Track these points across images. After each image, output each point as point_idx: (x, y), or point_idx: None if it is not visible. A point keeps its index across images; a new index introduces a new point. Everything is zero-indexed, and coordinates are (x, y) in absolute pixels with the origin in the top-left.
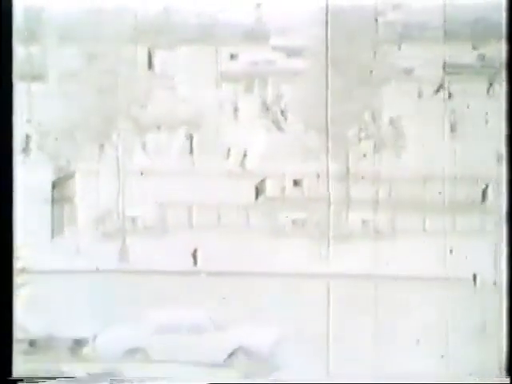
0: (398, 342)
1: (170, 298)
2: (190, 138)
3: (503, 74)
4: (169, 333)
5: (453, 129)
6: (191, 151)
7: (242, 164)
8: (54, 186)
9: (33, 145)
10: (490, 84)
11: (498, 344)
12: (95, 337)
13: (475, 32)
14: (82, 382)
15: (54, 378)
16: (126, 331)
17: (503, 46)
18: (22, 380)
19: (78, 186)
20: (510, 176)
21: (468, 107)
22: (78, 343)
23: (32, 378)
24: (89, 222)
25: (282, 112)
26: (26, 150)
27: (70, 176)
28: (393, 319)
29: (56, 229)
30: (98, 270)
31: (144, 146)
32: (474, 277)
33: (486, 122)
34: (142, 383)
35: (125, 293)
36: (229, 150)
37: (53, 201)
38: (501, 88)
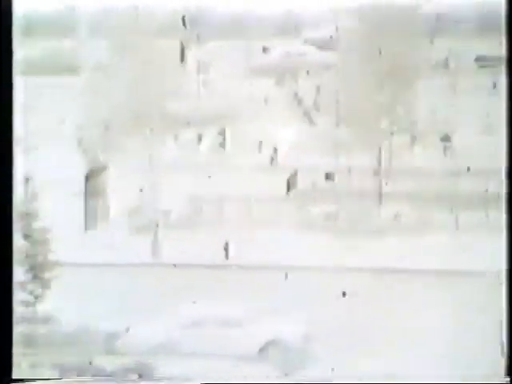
0: (421, 339)
1: (201, 292)
2: (222, 131)
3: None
4: (200, 327)
5: (487, 123)
6: (222, 145)
7: (274, 158)
8: (87, 178)
9: (66, 138)
10: None
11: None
12: (127, 330)
13: (509, 24)
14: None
15: (57, 379)
16: (157, 325)
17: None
18: (22, 380)
19: (111, 180)
20: (510, 178)
21: (502, 102)
22: (111, 337)
23: (32, 378)
24: (121, 216)
25: (314, 105)
26: (58, 143)
27: (102, 169)
28: (421, 314)
29: (89, 222)
30: (130, 264)
31: (176, 140)
32: (499, 273)
33: None
34: (173, 377)
35: (157, 286)
36: (260, 143)
37: (86, 194)
38: None
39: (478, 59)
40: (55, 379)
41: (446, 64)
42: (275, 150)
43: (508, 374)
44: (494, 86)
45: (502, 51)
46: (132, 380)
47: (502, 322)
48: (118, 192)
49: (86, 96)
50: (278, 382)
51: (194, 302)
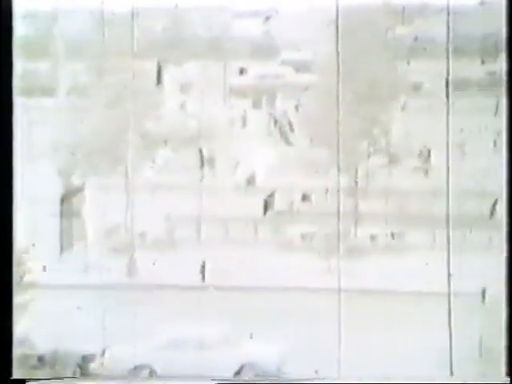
0: (405, 359)
1: (178, 313)
2: (199, 152)
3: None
4: (176, 349)
5: (461, 144)
6: (200, 166)
7: (251, 178)
8: (62, 200)
9: (42, 159)
10: (498, 100)
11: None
12: (103, 352)
13: (484, 47)
14: None
15: (60, 379)
16: (134, 347)
17: (503, 58)
18: (22, 380)
19: (87, 201)
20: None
21: (476, 122)
22: (86, 359)
23: (32, 378)
24: (97, 237)
25: (291, 126)
26: (34, 164)
27: (78, 190)
28: (401, 334)
29: (65, 243)
30: (106, 285)
31: (153, 161)
32: (483, 292)
33: (496, 136)
34: None
35: (133, 308)
36: (237, 164)
37: (61, 215)
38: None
39: (454, 81)
40: (56, 379)
41: (422, 85)
42: (252, 170)
43: (508, 374)
44: (471, 106)
45: (478, 73)
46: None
47: (481, 343)
48: (94, 213)
49: (62, 117)
50: None
51: (171, 324)
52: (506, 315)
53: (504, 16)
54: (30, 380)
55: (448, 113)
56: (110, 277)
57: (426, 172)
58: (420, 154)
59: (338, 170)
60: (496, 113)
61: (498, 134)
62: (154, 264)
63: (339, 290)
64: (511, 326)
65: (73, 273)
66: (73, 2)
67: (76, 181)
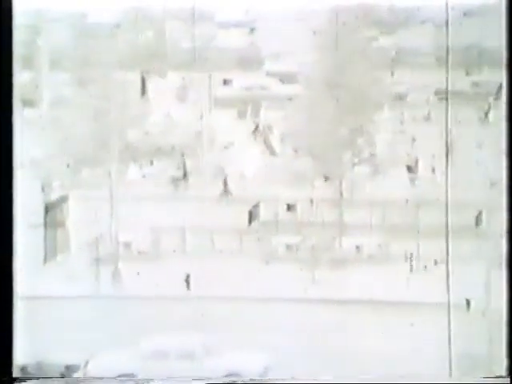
0: (390, 369)
1: (162, 324)
2: (184, 163)
3: (500, 100)
4: (161, 358)
5: (446, 155)
6: (184, 176)
7: (236, 189)
8: (46, 210)
9: (26, 170)
10: (485, 110)
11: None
12: (86, 363)
13: (468, 58)
14: None
15: (58, 378)
16: (117, 357)
17: (503, 68)
18: (22, 380)
19: (71, 211)
20: (510, 203)
21: (461, 133)
22: (69, 369)
23: (33, 377)
24: (82, 248)
25: (276, 137)
26: (19, 174)
27: (62, 201)
28: (386, 345)
29: (48, 254)
30: (90, 296)
31: (137, 171)
32: (468, 302)
33: (480, 148)
34: None
35: (117, 318)
36: (222, 175)
37: (45, 226)
38: (495, 113)
39: (437, 92)
40: (56, 378)
41: (406, 96)
42: (237, 181)
43: (508, 374)
44: (454, 117)
45: (462, 84)
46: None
47: (467, 353)
48: (78, 223)
49: (46, 128)
50: None
51: (155, 334)
52: (506, 316)
53: (504, 18)
54: (30, 379)
55: (433, 123)
56: (94, 287)
57: (411, 182)
58: (404, 165)
59: (323, 180)
60: (483, 123)
61: (482, 144)
62: (138, 274)
63: (324, 301)
64: (511, 327)
65: (56, 284)
66: (56, 13)
67: (60, 191)
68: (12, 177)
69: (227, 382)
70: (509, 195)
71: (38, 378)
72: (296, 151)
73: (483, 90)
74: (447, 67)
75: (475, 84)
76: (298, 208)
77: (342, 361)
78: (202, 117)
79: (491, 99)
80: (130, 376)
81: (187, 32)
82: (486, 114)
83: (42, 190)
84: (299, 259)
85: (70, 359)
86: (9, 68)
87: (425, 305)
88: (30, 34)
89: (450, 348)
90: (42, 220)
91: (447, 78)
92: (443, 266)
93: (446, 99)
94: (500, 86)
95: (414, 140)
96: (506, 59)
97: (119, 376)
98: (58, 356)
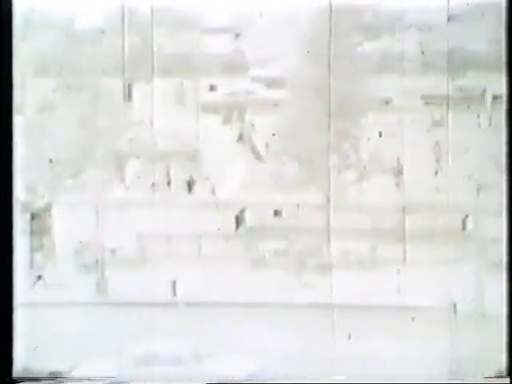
0: (378, 377)
1: (148, 330)
2: (169, 169)
3: (486, 105)
4: (148, 365)
5: (432, 159)
6: (170, 182)
7: (222, 194)
8: (32, 217)
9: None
10: (472, 114)
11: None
12: (72, 370)
13: (452, 63)
14: None
15: (58, 378)
16: (103, 364)
17: (489, 72)
18: (22, 380)
19: (56, 218)
20: (510, 206)
21: (448, 138)
22: (54, 376)
23: (33, 378)
24: (67, 254)
25: (262, 142)
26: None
27: (48, 207)
28: (373, 350)
29: (34, 261)
30: (76, 303)
31: (122, 178)
32: (454, 306)
33: (466, 152)
34: None
35: (103, 325)
36: (209, 180)
37: (31, 233)
38: (483, 118)
39: (423, 96)
40: (56, 378)
41: (391, 101)
42: (223, 186)
43: (508, 374)
44: (441, 122)
45: (447, 89)
46: None
47: (452, 358)
48: (64, 230)
49: (30, 134)
50: None
51: (141, 341)
52: (506, 315)
53: (504, 20)
54: (30, 380)
55: (419, 128)
56: (81, 294)
57: (398, 187)
58: (391, 169)
59: (310, 185)
60: (471, 127)
61: (469, 148)
62: (124, 281)
63: (311, 306)
64: (511, 327)
65: (42, 291)
66: (41, 19)
67: (45, 198)
68: (12, 182)
69: (224, 382)
70: (509, 198)
71: (34, 380)
72: (282, 156)
73: (469, 95)
74: (433, 71)
75: (460, 88)
76: (285, 213)
77: (330, 365)
78: (187, 122)
79: (478, 104)
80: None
81: (172, 37)
82: (476, 118)
83: (28, 196)
84: (286, 264)
85: (55, 366)
86: (9, 68)
87: (412, 309)
88: (15, 38)
89: (435, 351)
90: (28, 227)
91: (435, 83)
92: (430, 270)
93: (432, 104)
94: (485, 90)
95: (400, 145)
96: (506, 59)
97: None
98: (43, 363)
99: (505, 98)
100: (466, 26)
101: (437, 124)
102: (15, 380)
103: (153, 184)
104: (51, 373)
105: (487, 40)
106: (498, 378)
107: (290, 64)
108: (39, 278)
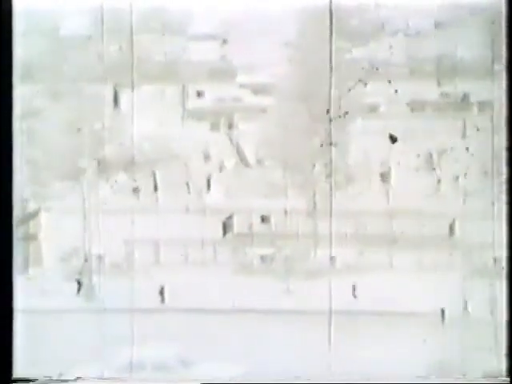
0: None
1: (136, 336)
2: (154, 175)
3: (473, 111)
4: (136, 371)
5: (419, 165)
6: (157, 189)
7: (209, 201)
8: (18, 224)
9: None
10: (458, 120)
11: None
12: (60, 376)
13: (439, 69)
14: None
15: (58, 378)
16: (92, 370)
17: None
18: (22, 380)
19: (43, 225)
20: (510, 214)
21: (435, 143)
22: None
23: (32, 378)
24: (54, 261)
25: (249, 149)
26: None
27: (35, 214)
28: (360, 356)
29: (20, 268)
30: (63, 310)
31: (109, 184)
32: (442, 312)
33: (454, 158)
34: None
35: (91, 331)
36: (196, 187)
37: (17, 239)
38: (470, 124)
39: (410, 102)
40: (56, 378)
41: (378, 107)
42: (211, 193)
43: (508, 374)
44: (428, 128)
45: (434, 95)
46: None
47: (442, 362)
48: (51, 237)
49: (18, 140)
50: None
51: (129, 346)
52: (506, 315)
53: (504, 21)
54: (29, 380)
55: (406, 135)
56: (68, 301)
57: (384, 192)
58: (377, 175)
59: (297, 191)
60: (457, 133)
61: (455, 153)
62: (112, 287)
63: (299, 312)
64: (511, 328)
65: (29, 298)
66: (27, 25)
67: (32, 204)
68: (12, 185)
69: (219, 381)
70: (509, 201)
71: (34, 380)
72: (269, 162)
73: (456, 100)
74: (420, 77)
75: (446, 95)
76: (272, 219)
77: (318, 370)
78: (174, 129)
79: (465, 109)
80: None
81: (159, 44)
82: (463, 124)
83: (15, 202)
84: (274, 270)
85: (44, 372)
86: (8, 71)
87: (399, 314)
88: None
89: (424, 356)
90: (14, 233)
91: (423, 88)
92: (418, 276)
93: (420, 110)
94: (472, 96)
95: (387, 150)
96: (506, 61)
97: None
98: (31, 370)
99: (496, 104)
100: (453, 32)
101: (424, 130)
102: (15, 380)
103: (140, 190)
104: (39, 381)
105: (475, 46)
106: (497, 377)
107: (277, 70)
108: (25, 285)
